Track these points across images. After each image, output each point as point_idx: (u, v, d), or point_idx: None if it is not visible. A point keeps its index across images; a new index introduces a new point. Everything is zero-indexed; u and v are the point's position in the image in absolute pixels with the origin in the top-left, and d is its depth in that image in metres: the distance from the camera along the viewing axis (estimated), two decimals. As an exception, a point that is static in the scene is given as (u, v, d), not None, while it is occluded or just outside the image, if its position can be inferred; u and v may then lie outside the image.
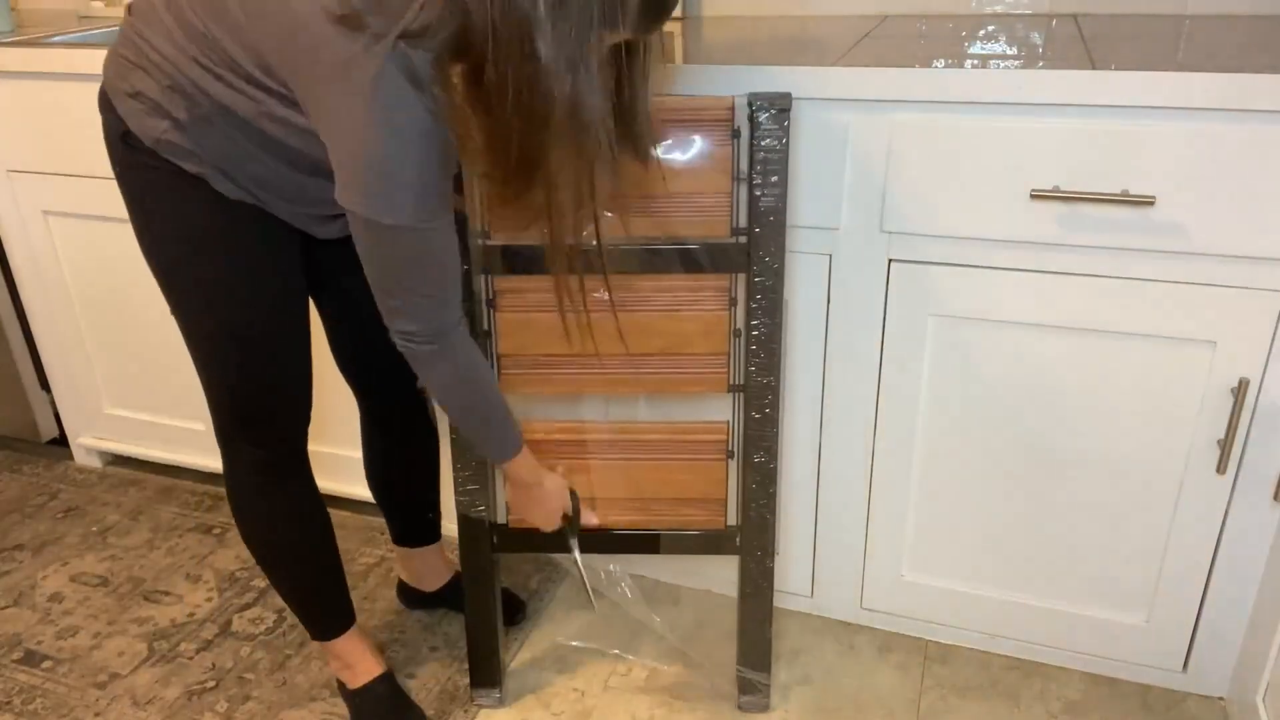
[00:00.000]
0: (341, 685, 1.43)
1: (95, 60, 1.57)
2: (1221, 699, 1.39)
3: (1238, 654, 1.34)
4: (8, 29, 1.91)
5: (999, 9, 1.64)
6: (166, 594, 1.71)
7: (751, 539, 1.33)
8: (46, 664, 1.56)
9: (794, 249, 1.32)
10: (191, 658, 1.56)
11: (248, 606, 1.66)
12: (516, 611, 1.59)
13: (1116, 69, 1.11)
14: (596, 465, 1.34)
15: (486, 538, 1.36)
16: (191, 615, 1.66)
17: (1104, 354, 1.25)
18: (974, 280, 1.26)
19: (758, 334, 1.23)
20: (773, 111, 1.15)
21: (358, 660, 1.40)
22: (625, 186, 1.17)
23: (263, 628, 1.61)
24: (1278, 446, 1.22)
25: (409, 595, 1.63)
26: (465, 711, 1.43)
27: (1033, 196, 1.18)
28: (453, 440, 1.31)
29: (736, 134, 1.18)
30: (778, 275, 1.21)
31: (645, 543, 1.37)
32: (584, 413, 1.52)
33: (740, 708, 1.41)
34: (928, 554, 1.46)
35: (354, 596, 1.67)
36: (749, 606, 1.37)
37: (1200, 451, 1.25)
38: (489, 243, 1.24)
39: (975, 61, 1.21)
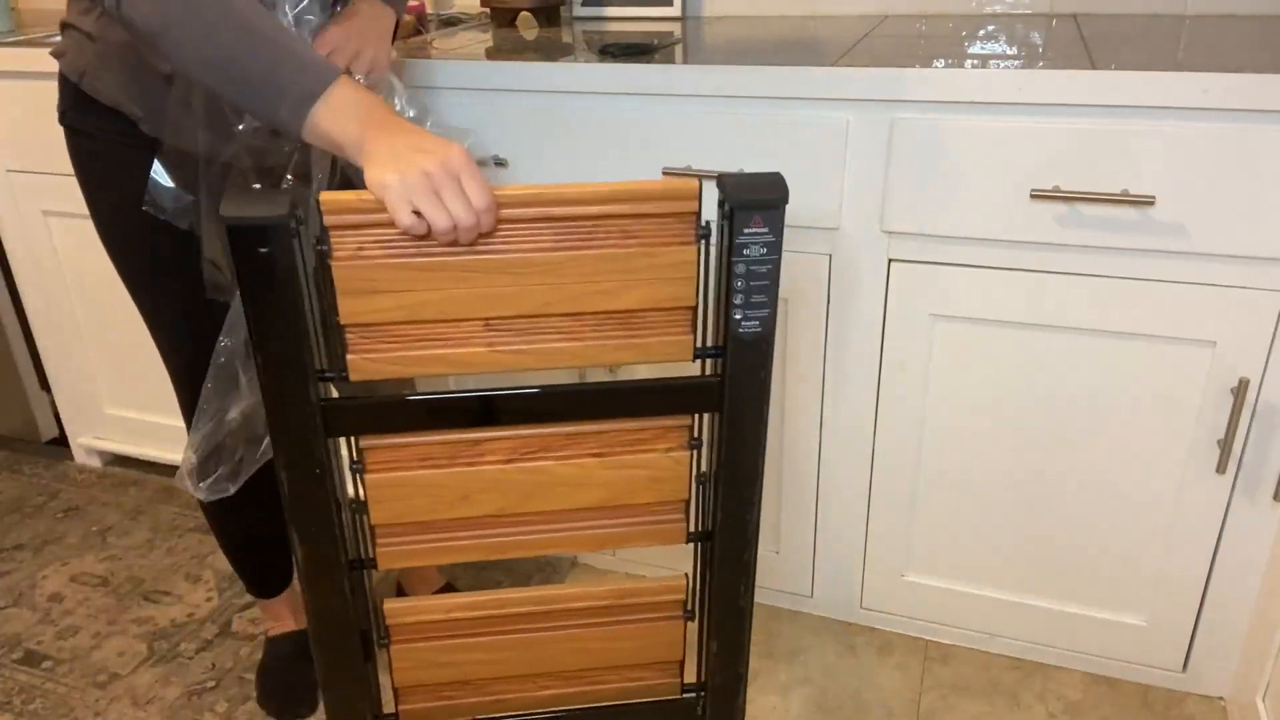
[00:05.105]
0: (266, 633, 1.56)
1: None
2: (1221, 699, 1.39)
3: (1238, 654, 1.34)
4: (7, 29, 1.90)
5: (999, 9, 1.64)
6: (166, 594, 1.71)
7: (720, 708, 1.03)
8: (46, 664, 1.56)
9: (794, 249, 1.32)
10: (191, 658, 1.56)
11: (248, 606, 1.66)
12: None
13: (1116, 69, 1.11)
14: (518, 642, 1.02)
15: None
16: (191, 615, 1.66)
17: (1104, 354, 1.25)
18: (974, 280, 1.26)
19: (729, 475, 0.90)
20: (760, 213, 0.77)
21: (277, 616, 1.54)
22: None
23: (263, 628, 1.61)
24: (1278, 446, 1.22)
25: None
26: (465, 711, 1.43)
27: (1033, 196, 1.18)
28: None
29: (705, 233, 0.81)
30: (758, 412, 0.87)
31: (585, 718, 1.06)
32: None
33: None
34: (928, 554, 1.46)
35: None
36: None
37: (1200, 451, 1.25)
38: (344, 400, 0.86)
39: (975, 61, 1.21)
